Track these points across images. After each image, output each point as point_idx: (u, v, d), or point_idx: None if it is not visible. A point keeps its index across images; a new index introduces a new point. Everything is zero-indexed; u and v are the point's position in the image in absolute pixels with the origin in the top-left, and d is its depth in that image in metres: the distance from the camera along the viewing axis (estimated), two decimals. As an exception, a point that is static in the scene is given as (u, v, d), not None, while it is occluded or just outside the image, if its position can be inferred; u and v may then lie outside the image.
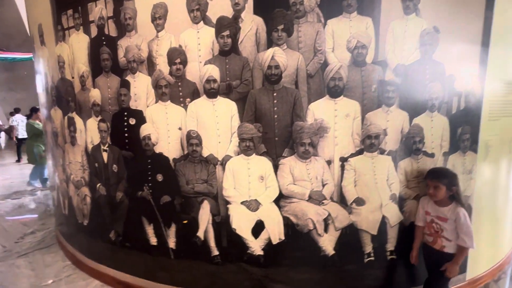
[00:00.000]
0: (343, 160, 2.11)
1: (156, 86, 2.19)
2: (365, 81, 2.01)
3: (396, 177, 2.16)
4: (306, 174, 2.11)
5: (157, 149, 2.28)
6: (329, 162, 2.10)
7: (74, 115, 2.68)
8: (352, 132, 2.07)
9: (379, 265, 2.22)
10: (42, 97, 3.31)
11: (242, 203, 2.18)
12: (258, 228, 2.21)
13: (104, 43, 2.31)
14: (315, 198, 2.12)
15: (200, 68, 2.06)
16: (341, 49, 1.96)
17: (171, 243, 2.36)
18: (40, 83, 3.38)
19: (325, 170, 2.11)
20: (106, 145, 2.50)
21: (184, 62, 2.09)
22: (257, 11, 1.95)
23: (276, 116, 2.05)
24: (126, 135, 2.37)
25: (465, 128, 2.25)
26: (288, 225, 2.16)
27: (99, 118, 2.48)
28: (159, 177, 2.33)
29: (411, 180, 2.21)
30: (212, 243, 2.27)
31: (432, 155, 2.20)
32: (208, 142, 2.16)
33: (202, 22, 2.01)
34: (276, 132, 2.06)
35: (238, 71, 2.02)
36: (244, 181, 2.15)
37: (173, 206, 2.33)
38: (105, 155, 2.53)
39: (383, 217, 2.18)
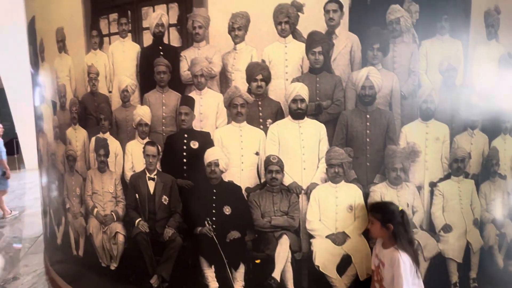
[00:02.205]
0: (433, 185, 2.01)
1: (230, 104, 1.91)
2: (454, 104, 1.98)
3: (478, 201, 2.12)
4: (397, 202, 1.96)
5: (226, 177, 1.96)
6: (419, 188, 1.99)
7: (107, 136, 2.23)
8: (441, 156, 2.00)
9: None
10: (45, 112, 2.76)
11: (327, 236, 1.94)
12: (343, 264, 1.99)
13: (162, 53, 1.98)
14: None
15: (286, 86, 1.84)
16: (433, 71, 1.91)
17: (238, 287, 2.01)
18: (40, 96, 2.85)
19: (415, 197, 1.99)
20: (154, 173, 2.10)
21: (267, 79, 1.85)
22: (352, 27, 1.82)
23: (368, 139, 1.90)
24: (184, 160, 2.02)
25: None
26: (377, 258, 1.98)
27: (146, 140, 2.09)
28: (227, 210, 2.00)
29: (489, 203, 2.20)
30: (290, 284, 1.96)
31: (504, 177, 2.22)
32: (290, 168, 1.91)
33: (291, 36, 1.82)
34: (368, 157, 1.90)
35: (329, 91, 1.84)
36: (331, 212, 1.93)
37: (243, 244, 1.99)
38: (151, 185, 2.12)
39: (467, 243, 2.11)
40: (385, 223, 1.68)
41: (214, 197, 2.00)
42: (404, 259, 1.61)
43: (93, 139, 2.31)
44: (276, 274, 1.97)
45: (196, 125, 1.97)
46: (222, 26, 1.86)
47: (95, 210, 2.37)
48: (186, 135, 2.00)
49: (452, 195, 2.04)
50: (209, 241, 2.02)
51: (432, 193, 2.02)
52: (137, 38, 2.03)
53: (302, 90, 1.85)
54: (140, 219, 2.17)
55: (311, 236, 1.95)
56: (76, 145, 2.43)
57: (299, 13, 1.79)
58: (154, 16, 1.96)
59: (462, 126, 2.01)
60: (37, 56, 2.78)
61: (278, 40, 1.83)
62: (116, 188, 2.24)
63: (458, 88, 1.97)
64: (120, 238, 2.27)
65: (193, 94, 1.96)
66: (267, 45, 1.84)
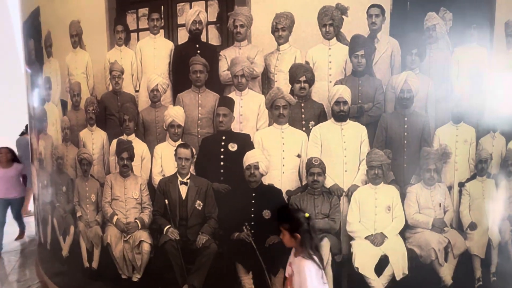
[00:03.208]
0: (461, 185, 2.11)
1: (272, 106, 1.87)
2: (480, 108, 2.09)
3: (497, 199, 2.26)
4: (430, 202, 2.02)
5: (266, 180, 1.91)
6: (449, 188, 2.08)
7: (132, 138, 2.08)
8: (468, 157, 2.10)
9: (487, 288, 2.24)
10: (51, 112, 2.53)
11: (366, 237, 1.96)
12: (380, 265, 2.01)
13: (198, 51, 1.89)
14: (437, 226, 2.04)
15: (330, 88, 1.84)
16: (463, 76, 2.00)
17: (277, 293, 1.96)
18: (42, 95, 2.61)
19: (446, 197, 2.07)
20: (187, 177, 1.99)
21: (310, 81, 1.84)
22: (393, 32, 1.86)
23: (406, 141, 1.94)
24: (221, 163, 1.94)
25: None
26: (412, 257, 2.02)
27: (179, 142, 1.98)
28: (267, 214, 1.94)
29: (505, 200, 2.35)
30: (330, 287, 1.96)
31: (516, 177, 2.39)
32: (332, 171, 1.90)
33: (335, 38, 1.82)
34: (405, 159, 1.95)
35: (371, 94, 1.87)
36: (371, 213, 1.95)
37: (283, 248, 1.95)
38: (183, 189, 2.01)
39: (489, 240, 2.23)
40: (293, 232, 1.61)
41: (253, 201, 1.94)
42: (309, 267, 1.57)
43: (114, 141, 2.14)
44: (316, 278, 1.95)
45: (236, 127, 1.91)
46: (265, 26, 1.82)
47: (115, 217, 2.20)
48: (224, 137, 1.92)
49: (477, 194, 2.15)
50: (247, 246, 1.96)
51: (460, 192, 2.12)
52: (171, 35, 1.92)
53: (345, 93, 1.86)
54: (169, 226, 2.05)
55: (351, 238, 1.96)
56: (93, 148, 2.25)
57: (343, 16, 1.81)
58: (191, 12, 1.88)
59: (486, 129, 2.14)
60: (40, 50, 2.54)
61: (322, 42, 1.83)
62: (142, 193, 2.10)
63: (483, 93, 2.10)
64: (146, 247, 2.12)
65: (232, 95, 1.89)
66: (311, 47, 1.83)
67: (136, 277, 2.18)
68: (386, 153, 1.93)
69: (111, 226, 2.23)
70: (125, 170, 2.12)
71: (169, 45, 1.94)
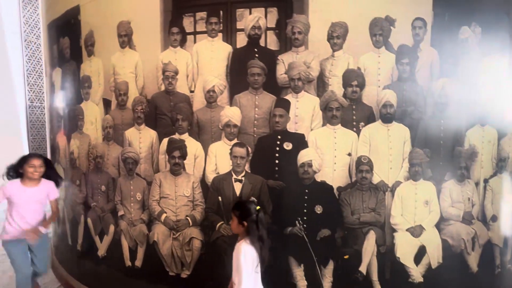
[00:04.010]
0: (486, 181, 2.34)
1: (326, 108, 2.00)
2: (501, 111, 2.34)
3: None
4: (461, 196, 2.23)
5: (319, 177, 2.04)
6: (476, 184, 2.30)
7: (185, 137, 2.13)
8: (491, 156, 2.34)
9: (504, 275, 2.47)
10: (90, 111, 2.51)
11: (407, 229, 2.13)
12: (419, 254, 2.18)
13: (257, 55, 1.99)
14: (467, 219, 2.26)
15: (378, 92, 2.01)
16: (489, 83, 2.24)
17: (327, 283, 2.08)
18: (80, 94, 2.58)
19: (474, 192, 2.29)
20: (242, 174, 2.07)
21: (361, 85, 1.99)
22: (433, 43, 2.06)
23: (442, 142, 2.14)
24: (276, 161, 2.04)
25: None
26: (445, 247, 2.22)
27: (234, 141, 2.06)
28: (319, 209, 2.06)
29: (517, 195, 2.62)
30: (375, 276, 2.10)
31: (525, 174, 2.67)
32: (379, 168, 2.06)
33: (384, 47, 1.99)
34: (441, 157, 2.15)
35: (414, 98, 2.05)
36: (411, 207, 2.12)
37: (333, 241, 2.08)
38: (237, 186, 2.08)
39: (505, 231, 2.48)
40: (242, 220, 1.73)
41: (306, 197, 2.06)
42: (246, 252, 1.66)
43: (165, 140, 2.18)
44: (363, 268, 2.10)
45: (291, 127, 2.02)
46: (322, 33, 1.96)
47: (164, 215, 2.23)
48: (279, 137, 2.03)
49: (498, 189, 2.40)
50: (299, 240, 2.07)
51: (485, 188, 2.35)
52: (229, 39, 2.01)
53: (391, 97, 2.03)
54: (222, 222, 2.12)
55: (394, 230, 2.12)
56: (140, 147, 2.27)
57: (391, 27, 1.99)
58: (251, 18, 1.98)
59: (505, 131, 2.40)
60: (78, 49, 2.52)
61: (373, 50, 2.00)
62: (194, 191, 2.15)
63: (503, 99, 2.35)
64: (196, 243, 2.17)
65: (289, 97, 2.01)
66: (363, 54, 1.99)
67: (185, 274, 2.22)
68: (425, 152, 2.13)
69: (158, 224, 2.26)
70: (177, 169, 2.17)
71: (227, 48, 2.03)
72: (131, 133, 2.31)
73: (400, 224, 2.13)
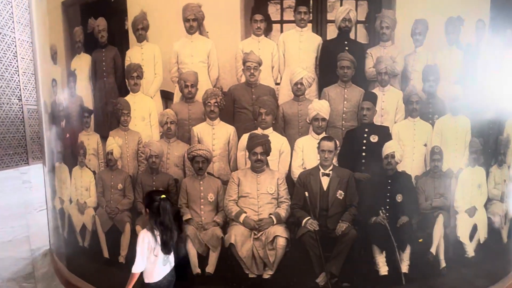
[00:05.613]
0: (513, 165, 2.72)
1: (408, 101, 2.08)
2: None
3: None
4: (500, 179, 2.56)
5: (400, 168, 2.13)
6: (510, 167, 2.65)
7: (270, 132, 2.01)
8: (518, 143, 2.72)
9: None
10: (144, 104, 2.18)
11: (466, 211, 2.37)
12: (471, 233, 2.45)
13: (347, 48, 1.96)
14: (503, 198, 2.61)
15: (451, 87, 2.16)
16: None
17: (404, 267, 2.21)
18: (110, 86, 2.24)
19: (508, 175, 2.64)
20: (330, 168, 2.05)
21: (437, 81, 2.12)
22: (488, 43, 2.29)
23: (491, 132, 2.42)
24: (363, 154, 2.06)
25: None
26: (488, 224, 2.53)
27: (322, 135, 2.02)
28: (399, 198, 2.16)
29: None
30: (441, 256, 2.31)
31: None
32: (447, 156, 2.24)
33: (455, 45, 2.14)
34: (490, 145, 2.43)
35: (475, 93, 2.27)
36: (469, 190, 2.36)
37: (410, 226, 2.20)
38: (325, 180, 2.06)
39: (521, 206, 2.93)
40: (146, 207, 1.98)
41: (388, 187, 2.14)
42: (144, 236, 1.88)
43: (245, 135, 2.04)
44: (433, 249, 2.28)
45: (377, 120, 2.07)
46: (406, 29, 2.03)
47: (243, 215, 2.09)
48: (366, 130, 2.06)
49: (519, 172, 2.82)
50: (382, 229, 2.15)
51: (514, 171, 2.74)
52: (319, 30, 1.95)
53: (460, 91, 2.21)
54: (308, 217, 2.08)
55: (456, 212, 2.35)
56: (213, 144, 2.07)
57: (461, 26, 2.15)
58: (342, 10, 1.94)
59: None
60: (123, 33, 2.16)
61: (446, 47, 2.14)
62: (279, 188, 2.06)
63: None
64: (281, 241, 2.09)
65: (376, 90, 2.04)
66: (437, 51, 2.12)
67: (267, 274, 2.13)
68: (480, 141, 2.39)
69: (236, 225, 2.12)
70: (259, 165, 2.05)
71: (317, 39, 1.96)
72: (201, 129, 2.09)
73: (461, 207, 2.36)
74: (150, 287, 1.92)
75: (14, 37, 9.74)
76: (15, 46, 9.83)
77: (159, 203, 1.88)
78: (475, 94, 2.30)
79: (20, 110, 10.00)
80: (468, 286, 2.48)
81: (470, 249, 2.43)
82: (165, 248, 1.89)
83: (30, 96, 10.32)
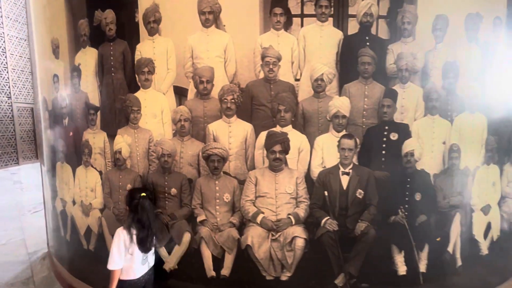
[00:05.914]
0: (523, 163, 2.73)
1: (427, 98, 2.05)
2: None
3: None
4: (512, 176, 2.57)
5: (418, 166, 2.09)
6: (519, 165, 2.67)
7: (289, 129, 1.95)
8: (528, 141, 2.73)
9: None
10: (155, 101, 2.08)
11: (481, 209, 2.36)
12: (485, 231, 2.45)
13: (368, 44, 1.91)
14: (514, 196, 2.62)
15: (469, 84, 2.14)
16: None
17: (422, 266, 2.18)
18: (118, 82, 2.14)
19: (519, 172, 2.66)
20: (349, 167, 2.00)
21: (456, 78, 2.09)
22: (505, 40, 2.28)
23: (505, 130, 2.41)
24: (383, 152, 2.02)
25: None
26: (501, 222, 2.53)
27: (342, 133, 1.96)
28: (418, 196, 2.12)
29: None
30: (458, 254, 2.29)
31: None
32: (464, 154, 2.22)
33: (474, 41, 2.12)
34: (504, 143, 2.42)
35: (493, 91, 2.26)
36: (484, 188, 2.35)
37: (428, 225, 2.18)
38: (344, 179, 2.01)
39: (529, 203, 2.95)
40: (126, 204, 2.01)
41: (407, 186, 2.10)
42: (120, 234, 1.88)
43: (263, 133, 1.97)
44: (450, 248, 2.26)
45: (397, 117, 2.02)
46: (427, 24, 1.99)
47: (260, 216, 2.02)
48: (387, 127, 2.02)
49: (528, 169, 2.84)
50: (401, 228, 2.11)
51: (523, 169, 2.75)
52: (340, 25, 1.89)
53: (477, 89, 2.20)
54: (327, 217, 2.02)
55: (472, 211, 2.34)
56: (230, 142, 1.99)
57: (481, 23, 2.13)
58: (363, 4, 1.89)
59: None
60: (134, 26, 2.06)
61: (466, 44, 2.11)
62: (298, 187, 2.00)
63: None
64: (300, 242, 2.03)
65: (396, 87, 2.00)
66: (457, 48, 2.09)
67: (285, 276, 2.07)
68: (495, 139, 2.38)
69: (253, 226, 2.05)
70: (277, 164, 1.98)
71: (338, 34, 1.90)
72: (217, 127, 2.01)
73: (477, 205, 2.35)
74: (126, 284, 1.89)
75: (3, 33, 9.40)
76: (4, 41, 9.49)
77: (138, 201, 1.88)
78: (491, 92, 2.29)
79: (9, 108, 9.67)
80: (482, 284, 2.49)
81: (484, 247, 2.43)
82: (142, 247, 1.87)
83: (20, 93, 9.98)
